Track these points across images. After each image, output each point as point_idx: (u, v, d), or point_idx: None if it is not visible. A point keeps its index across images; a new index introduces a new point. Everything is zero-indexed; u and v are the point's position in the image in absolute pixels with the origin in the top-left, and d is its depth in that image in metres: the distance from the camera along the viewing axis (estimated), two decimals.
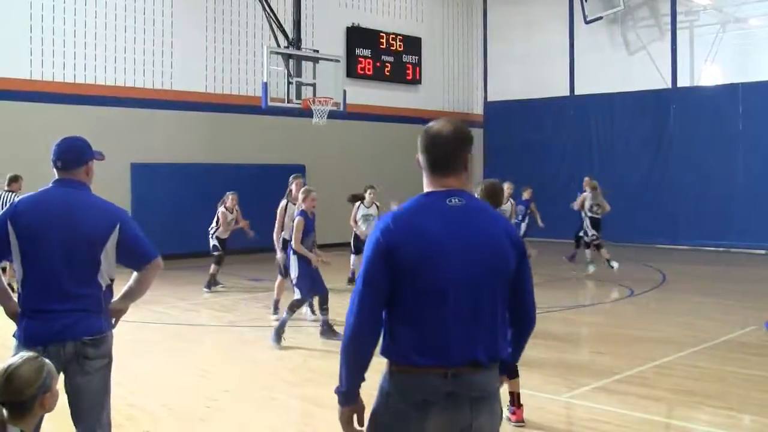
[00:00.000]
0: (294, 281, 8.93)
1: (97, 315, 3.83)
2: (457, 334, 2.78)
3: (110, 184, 16.78)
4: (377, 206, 13.20)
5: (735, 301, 11.96)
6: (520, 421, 5.93)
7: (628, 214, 20.29)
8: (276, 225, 10.54)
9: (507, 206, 13.76)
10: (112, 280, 3.90)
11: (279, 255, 10.39)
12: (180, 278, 13.78)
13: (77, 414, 3.83)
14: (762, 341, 9.14)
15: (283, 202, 10.64)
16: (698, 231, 19.79)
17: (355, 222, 13.16)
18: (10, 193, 13.18)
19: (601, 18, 21.77)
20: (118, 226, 3.83)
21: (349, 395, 2.88)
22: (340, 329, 8.42)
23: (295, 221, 8.91)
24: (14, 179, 13.35)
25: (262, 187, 17.64)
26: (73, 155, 3.92)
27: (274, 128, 19.17)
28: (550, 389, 7.02)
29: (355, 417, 2.90)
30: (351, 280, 12.92)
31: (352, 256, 13.29)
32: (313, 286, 9.00)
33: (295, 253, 8.86)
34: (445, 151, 2.90)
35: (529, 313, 3.04)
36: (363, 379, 2.88)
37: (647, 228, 20.25)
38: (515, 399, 5.94)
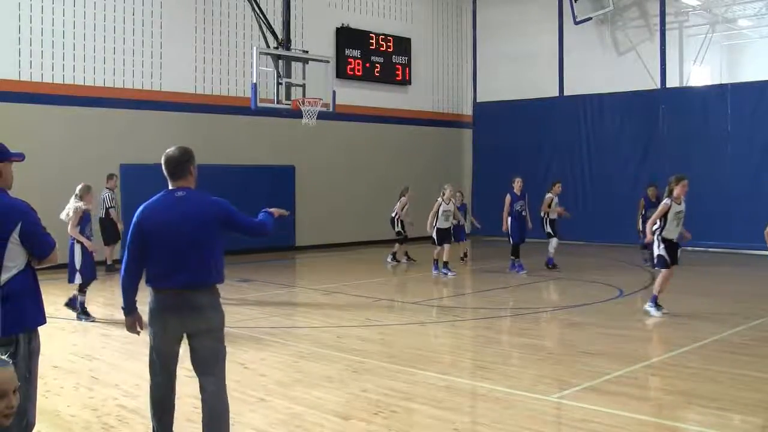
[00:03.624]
0: (78, 267, 10.39)
1: None
2: (175, 270, 4.75)
3: (101, 184, 16.78)
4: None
5: (724, 300, 11.99)
6: None
7: (616, 215, 20.34)
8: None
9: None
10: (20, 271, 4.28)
11: None
12: None
13: None
14: (752, 341, 9.17)
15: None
16: None
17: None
18: (108, 191, 15.54)
19: (590, 19, 21.83)
20: (20, 223, 4.26)
21: (129, 309, 4.95)
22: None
23: (75, 210, 10.33)
24: (109, 177, 15.63)
25: (251, 187, 17.63)
26: None
27: (263, 129, 19.14)
28: (541, 389, 7.02)
29: (136, 322, 4.98)
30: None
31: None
32: (91, 271, 10.62)
33: (78, 241, 10.41)
34: (174, 166, 4.98)
35: (252, 231, 5.14)
36: (135, 300, 4.93)
37: (635, 228, 20.25)
38: None
